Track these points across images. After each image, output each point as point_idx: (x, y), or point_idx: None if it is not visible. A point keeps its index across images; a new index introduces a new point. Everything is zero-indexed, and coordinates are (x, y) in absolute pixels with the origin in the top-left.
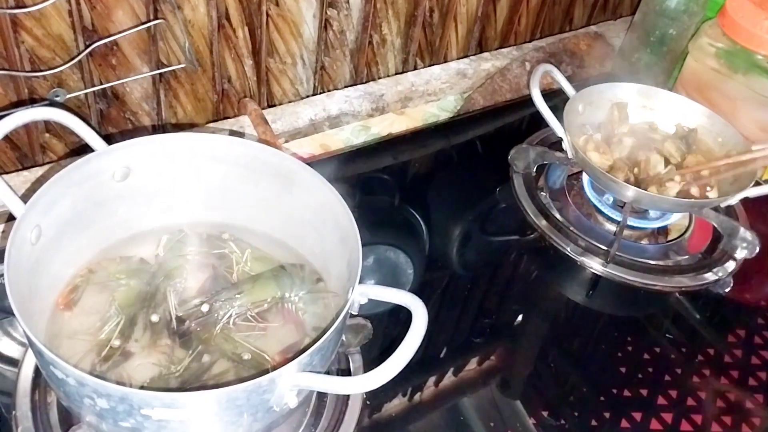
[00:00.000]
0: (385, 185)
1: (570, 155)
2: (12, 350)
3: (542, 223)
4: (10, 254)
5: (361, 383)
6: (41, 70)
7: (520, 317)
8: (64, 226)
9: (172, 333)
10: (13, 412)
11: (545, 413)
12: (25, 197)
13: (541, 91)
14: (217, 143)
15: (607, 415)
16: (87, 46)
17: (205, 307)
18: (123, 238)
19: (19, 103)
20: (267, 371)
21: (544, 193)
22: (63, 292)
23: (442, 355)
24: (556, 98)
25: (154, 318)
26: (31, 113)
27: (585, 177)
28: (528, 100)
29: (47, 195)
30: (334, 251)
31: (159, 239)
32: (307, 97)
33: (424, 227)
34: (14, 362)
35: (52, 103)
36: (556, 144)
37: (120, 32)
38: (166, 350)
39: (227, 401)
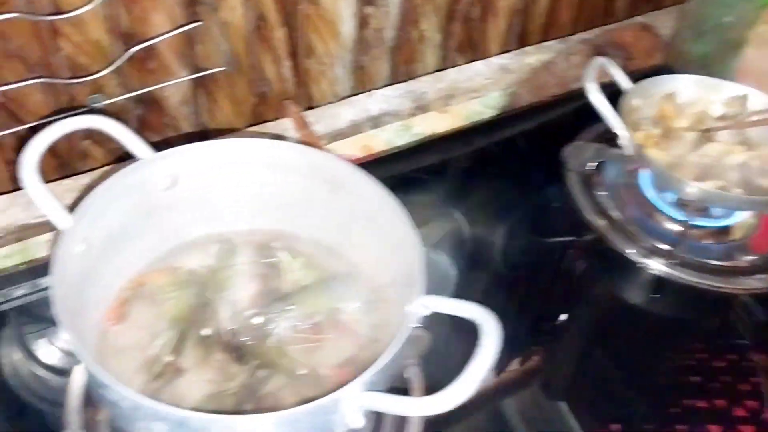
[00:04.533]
0: (430, 186)
1: (629, 152)
2: (55, 359)
3: (601, 223)
4: (56, 268)
5: (431, 405)
6: (80, 77)
7: (563, 316)
8: (111, 238)
9: (225, 347)
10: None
11: (618, 426)
12: (69, 207)
13: None
14: (266, 148)
15: (681, 429)
16: (125, 51)
17: (257, 320)
18: (171, 248)
19: (58, 110)
20: (326, 388)
21: (601, 192)
22: (112, 305)
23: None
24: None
25: (206, 332)
26: (73, 122)
27: (644, 174)
28: (575, 95)
29: (93, 207)
30: (390, 258)
31: (208, 249)
32: (347, 97)
33: (470, 229)
34: (60, 371)
35: (92, 110)
36: (610, 140)
37: (158, 36)
38: (220, 365)
39: (289, 424)
